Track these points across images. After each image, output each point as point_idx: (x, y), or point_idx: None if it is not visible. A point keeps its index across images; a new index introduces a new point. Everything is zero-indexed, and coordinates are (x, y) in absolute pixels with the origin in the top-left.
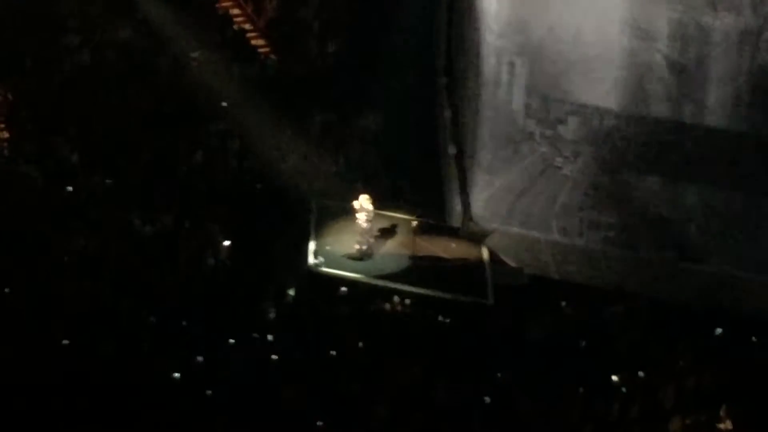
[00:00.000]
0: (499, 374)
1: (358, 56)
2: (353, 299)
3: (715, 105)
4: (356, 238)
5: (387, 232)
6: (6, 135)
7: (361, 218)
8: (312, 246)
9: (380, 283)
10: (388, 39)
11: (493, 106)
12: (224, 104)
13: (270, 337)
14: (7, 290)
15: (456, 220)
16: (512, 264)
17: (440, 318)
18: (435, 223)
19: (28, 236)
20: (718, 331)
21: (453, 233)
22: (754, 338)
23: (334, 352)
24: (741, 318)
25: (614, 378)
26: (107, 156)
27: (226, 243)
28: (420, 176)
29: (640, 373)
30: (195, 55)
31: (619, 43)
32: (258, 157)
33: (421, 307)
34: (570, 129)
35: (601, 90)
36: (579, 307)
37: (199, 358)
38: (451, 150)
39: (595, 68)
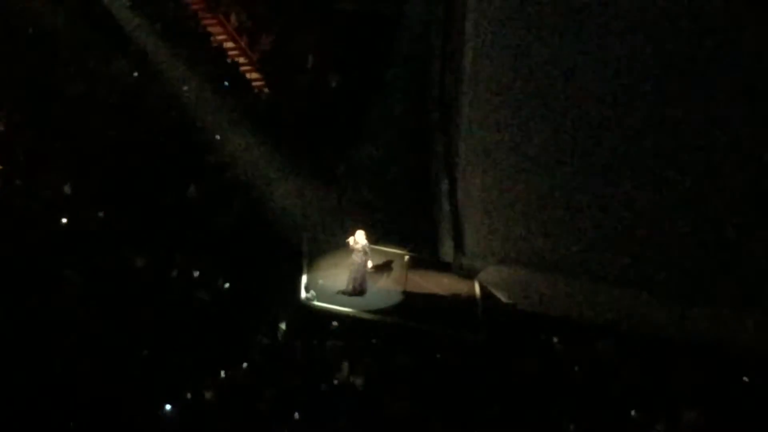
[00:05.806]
0: (490, 410)
1: (352, 90)
2: (345, 333)
3: (717, 132)
4: (349, 272)
5: (379, 267)
6: None
7: (356, 253)
8: (304, 280)
9: (372, 317)
10: (381, 73)
11: (487, 139)
12: (218, 137)
13: (262, 371)
14: None
15: (448, 256)
16: (504, 299)
17: (432, 353)
18: (427, 258)
19: (19, 268)
20: (712, 368)
21: (445, 268)
22: (745, 378)
23: (325, 386)
24: (735, 356)
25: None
26: (99, 188)
27: (218, 276)
28: (412, 211)
29: (633, 412)
30: (188, 88)
31: (615, 76)
32: (251, 191)
33: (413, 342)
34: (569, 165)
35: (601, 124)
36: (571, 343)
37: (189, 393)
38: (444, 185)
39: (593, 103)
